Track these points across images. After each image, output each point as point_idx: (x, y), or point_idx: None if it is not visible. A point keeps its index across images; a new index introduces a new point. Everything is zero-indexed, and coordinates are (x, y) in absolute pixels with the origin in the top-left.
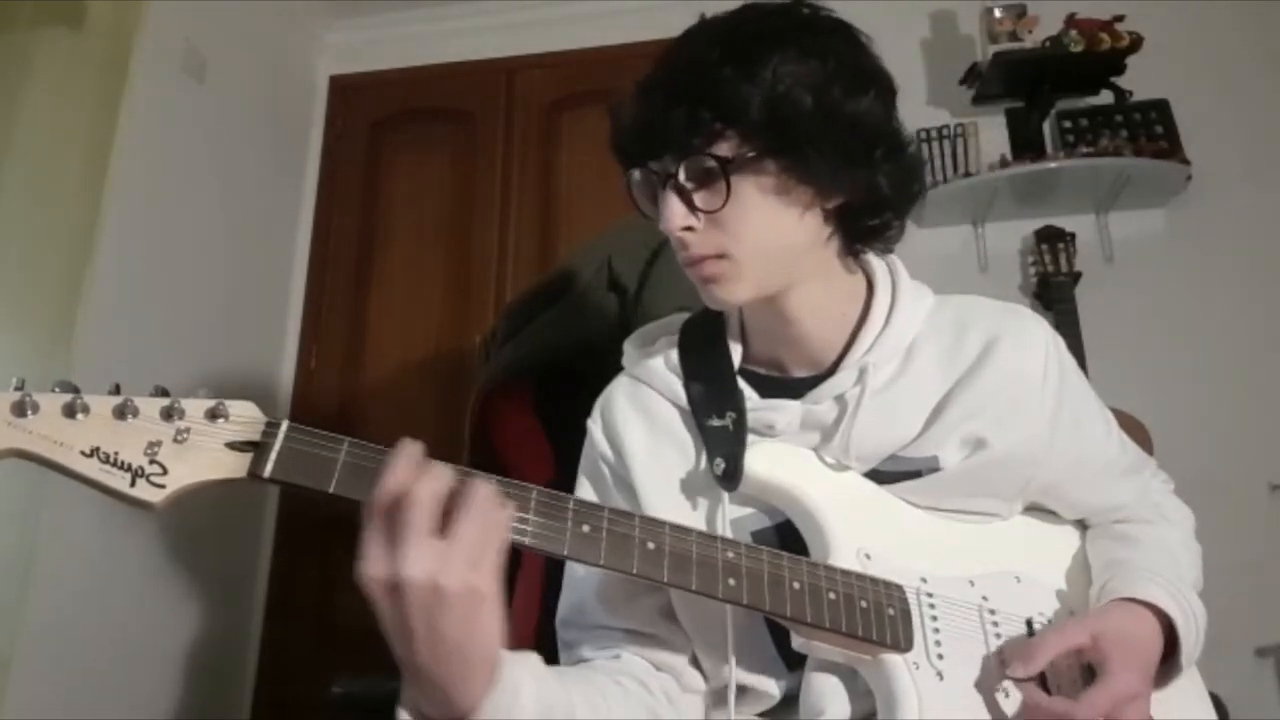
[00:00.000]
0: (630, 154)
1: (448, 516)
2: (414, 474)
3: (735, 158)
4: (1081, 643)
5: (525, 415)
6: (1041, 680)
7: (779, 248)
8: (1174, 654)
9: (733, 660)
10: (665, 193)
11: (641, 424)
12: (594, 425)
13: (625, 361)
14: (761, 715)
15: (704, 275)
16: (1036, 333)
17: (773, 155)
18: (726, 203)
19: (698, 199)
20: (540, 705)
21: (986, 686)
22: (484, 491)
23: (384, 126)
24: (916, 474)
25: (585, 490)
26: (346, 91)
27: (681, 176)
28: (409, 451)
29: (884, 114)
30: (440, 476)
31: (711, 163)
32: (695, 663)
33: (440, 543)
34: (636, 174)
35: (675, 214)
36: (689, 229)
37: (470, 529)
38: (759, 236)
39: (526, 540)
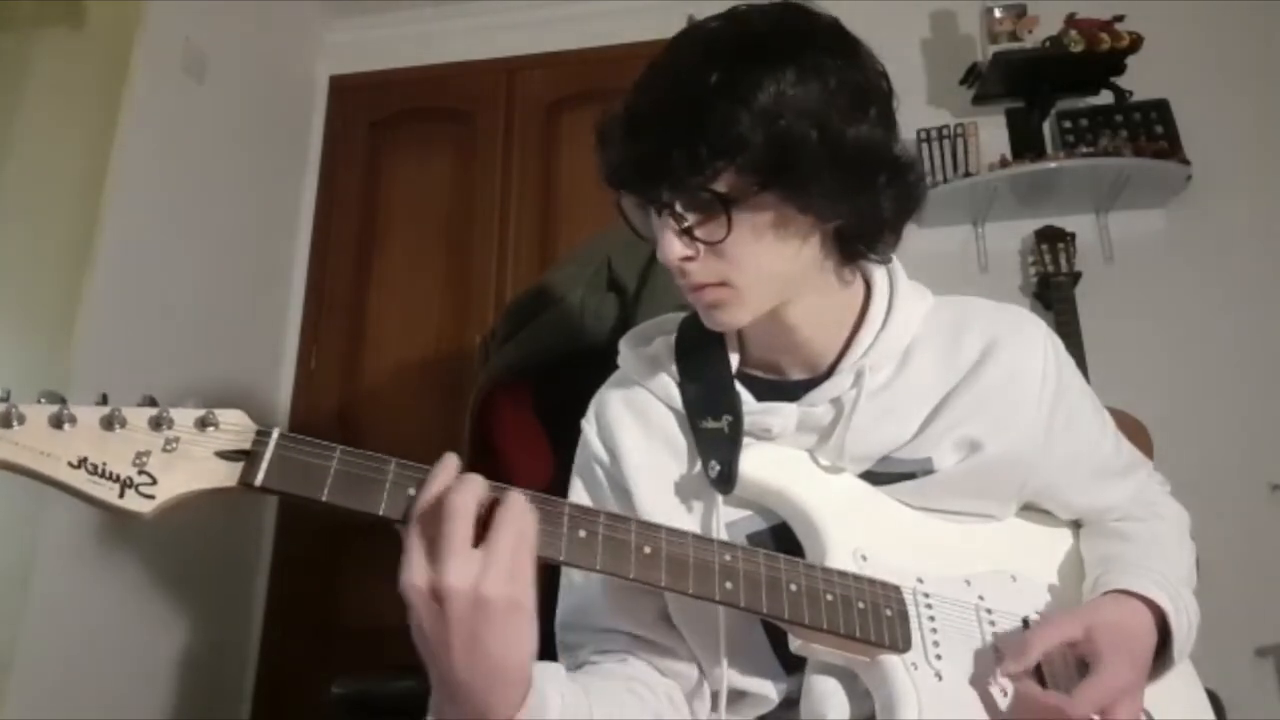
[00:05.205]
0: (624, 184)
1: (483, 527)
2: (452, 484)
3: (735, 193)
4: (1074, 635)
5: (525, 415)
6: (1038, 676)
7: (779, 274)
8: (1166, 647)
9: (724, 662)
10: (662, 224)
11: (636, 426)
12: (588, 426)
13: (620, 361)
14: (761, 719)
15: (706, 301)
16: (1035, 334)
17: (773, 188)
18: (727, 236)
19: (697, 230)
20: (566, 717)
21: (985, 686)
22: (518, 501)
23: (384, 126)
24: (911, 475)
25: (579, 492)
26: (346, 91)
27: (679, 209)
28: (448, 463)
29: (885, 136)
30: (477, 487)
31: (710, 197)
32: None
33: (480, 552)
34: (639, 206)
35: (673, 246)
36: (688, 259)
37: (507, 539)
38: (760, 264)
39: None
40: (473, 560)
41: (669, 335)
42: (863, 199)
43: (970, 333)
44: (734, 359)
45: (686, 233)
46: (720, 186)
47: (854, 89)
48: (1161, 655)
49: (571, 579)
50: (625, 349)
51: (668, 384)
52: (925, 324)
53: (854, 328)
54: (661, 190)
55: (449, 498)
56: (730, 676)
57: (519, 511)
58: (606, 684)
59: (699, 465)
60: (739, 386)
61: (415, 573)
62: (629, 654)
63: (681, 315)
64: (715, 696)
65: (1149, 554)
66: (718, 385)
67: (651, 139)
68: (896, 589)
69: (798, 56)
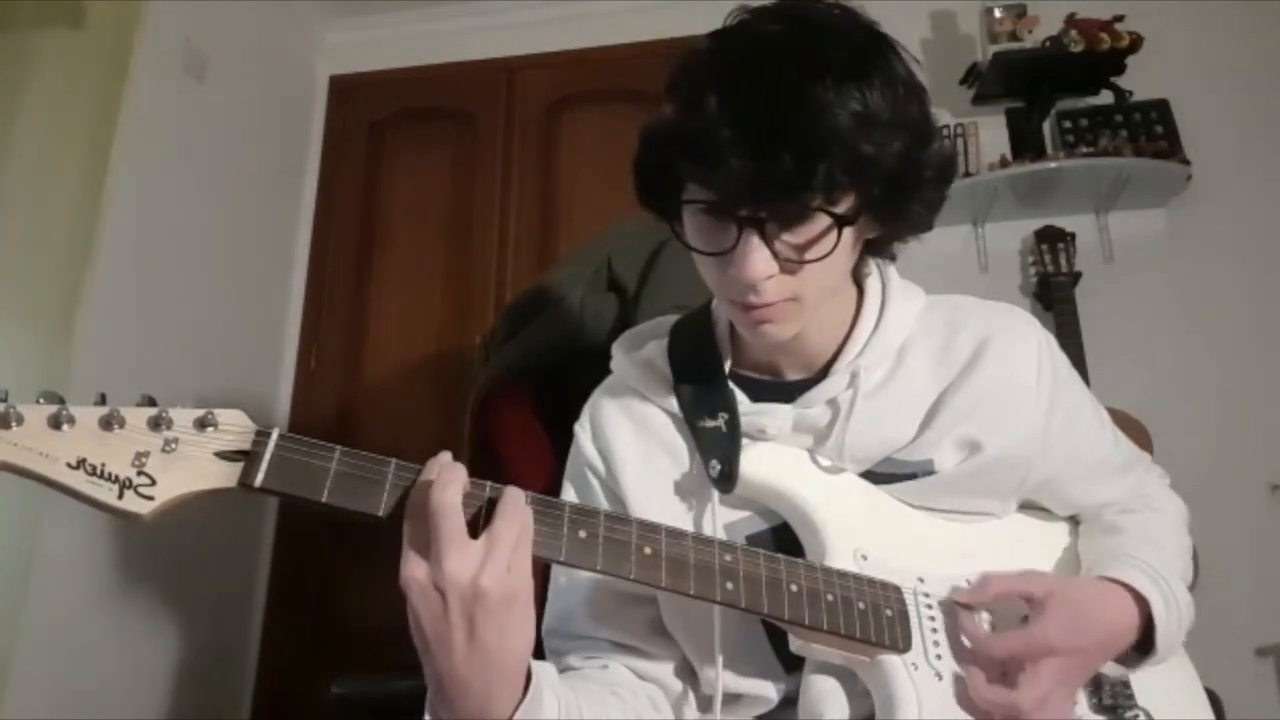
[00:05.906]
0: (728, 202)
1: (478, 523)
2: (435, 481)
3: (850, 213)
4: (1034, 593)
5: (525, 415)
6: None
7: (835, 284)
8: (1152, 637)
9: (719, 661)
10: (748, 240)
11: (631, 430)
12: (582, 432)
13: (614, 365)
14: (759, 719)
15: (765, 316)
16: (1028, 332)
17: (881, 208)
18: (829, 255)
19: (789, 248)
20: (562, 717)
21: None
22: (517, 496)
23: (384, 126)
24: (911, 476)
25: (569, 497)
26: (346, 91)
27: (772, 226)
28: (440, 460)
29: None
30: (459, 479)
31: (826, 218)
32: (681, 673)
33: (480, 544)
34: (703, 213)
35: (759, 265)
36: (770, 276)
37: (509, 531)
38: (826, 278)
39: None
40: (474, 551)
41: (661, 338)
42: (931, 212)
43: (963, 331)
44: (727, 361)
45: (773, 249)
46: (840, 208)
47: (925, 96)
48: (1148, 647)
49: (558, 584)
50: (618, 354)
51: (662, 386)
52: (918, 323)
53: (849, 328)
54: (767, 206)
55: (431, 496)
56: (729, 678)
57: (519, 506)
58: (590, 687)
59: (698, 465)
60: (733, 386)
61: (415, 565)
62: (611, 659)
63: (674, 318)
64: (709, 700)
65: (1140, 545)
66: (711, 385)
67: (778, 157)
68: (897, 589)
69: (884, 65)
